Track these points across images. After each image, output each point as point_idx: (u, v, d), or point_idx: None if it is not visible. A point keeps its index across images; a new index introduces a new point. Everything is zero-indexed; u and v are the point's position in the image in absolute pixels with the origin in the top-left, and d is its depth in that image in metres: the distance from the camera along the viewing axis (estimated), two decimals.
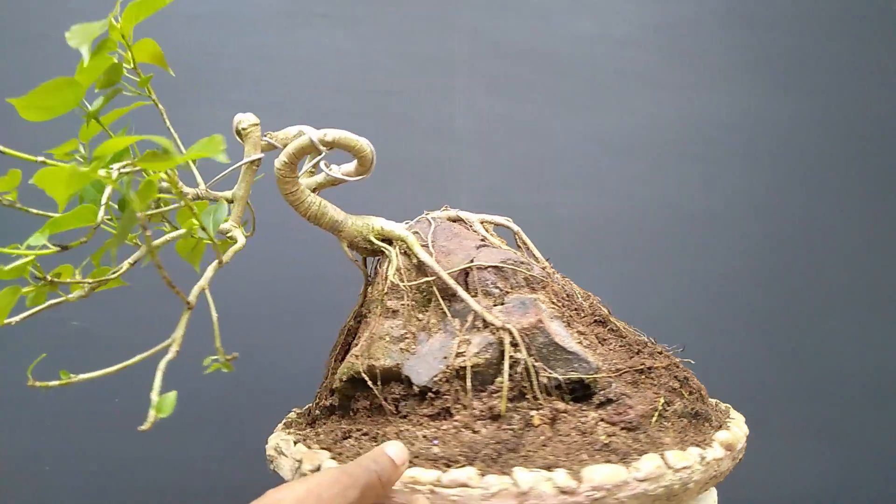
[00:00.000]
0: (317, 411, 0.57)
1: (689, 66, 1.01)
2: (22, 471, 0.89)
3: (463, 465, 0.43)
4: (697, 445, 0.47)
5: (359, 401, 0.53)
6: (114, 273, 0.47)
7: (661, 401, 0.49)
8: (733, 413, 0.56)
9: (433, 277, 0.52)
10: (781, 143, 1.04)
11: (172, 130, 0.51)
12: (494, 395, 0.48)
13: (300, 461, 0.49)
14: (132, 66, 0.50)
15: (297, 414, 0.65)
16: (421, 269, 0.54)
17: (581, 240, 0.95)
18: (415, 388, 0.50)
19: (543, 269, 0.54)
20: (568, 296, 0.54)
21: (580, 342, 0.51)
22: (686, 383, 0.53)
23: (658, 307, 0.96)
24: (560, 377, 0.49)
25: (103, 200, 0.42)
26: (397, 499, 0.43)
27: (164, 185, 0.48)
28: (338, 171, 0.55)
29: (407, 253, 0.54)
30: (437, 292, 0.53)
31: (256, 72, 0.93)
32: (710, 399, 0.57)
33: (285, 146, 0.53)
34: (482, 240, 0.56)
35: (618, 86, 0.98)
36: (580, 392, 0.50)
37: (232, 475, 0.93)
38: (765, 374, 1.04)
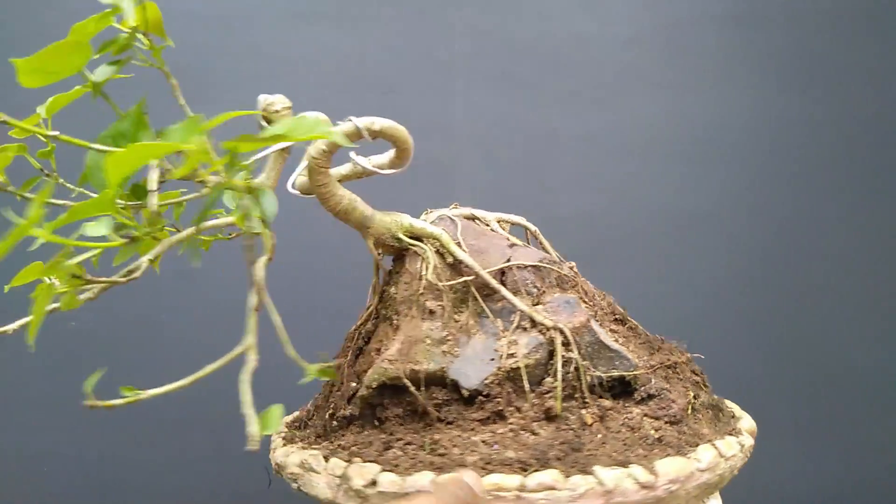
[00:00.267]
0: (333, 422, 0.53)
1: (688, 66, 1.01)
2: (22, 471, 0.89)
3: (538, 468, 0.43)
4: (731, 434, 0.50)
5: (388, 408, 0.50)
6: (131, 271, 0.40)
7: (691, 394, 0.52)
8: (728, 402, 0.60)
9: (472, 276, 0.51)
10: (782, 143, 1.04)
11: (187, 108, 0.44)
12: (546, 396, 0.48)
13: (344, 476, 0.45)
14: (132, 31, 0.43)
15: (287, 425, 0.59)
16: (455, 267, 0.52)
17: (581, 239, 0.95)
18: (464, 391, 0.48)
19: (571, 268, 0.55)
20: (592, 295, 0.55)
21: (615, 340, 0.52)
22: (702, 376, 0.56)
23: (658, 307, 0.96)
24: (603, 375, 0.50)
25: (152, 186, 0.36)
26: None
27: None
28: (367, 162, 0.52)
29: (440, 252, 0.52)
30: (475, 292, 0.51)
31: (256, 72, 0.91)
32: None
33: None
34: (507, 238, 0.56)
35: (618, 86, 0.99)
36: (618, 389, 0.51)
37: (232, 475, 0.92)
38: (764, 374, 1.04)
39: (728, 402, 0.60)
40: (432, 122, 0.97)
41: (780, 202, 1.05)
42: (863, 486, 1.04)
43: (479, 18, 0.96)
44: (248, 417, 0.31)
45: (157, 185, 0.36)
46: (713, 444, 0.47)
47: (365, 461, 0.46)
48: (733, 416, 0.55)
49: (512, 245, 0.54)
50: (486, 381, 0.48)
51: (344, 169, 0.53)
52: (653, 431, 0.48)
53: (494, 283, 0.50)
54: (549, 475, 0.41)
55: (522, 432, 0.46)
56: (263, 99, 0.46)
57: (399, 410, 0.50)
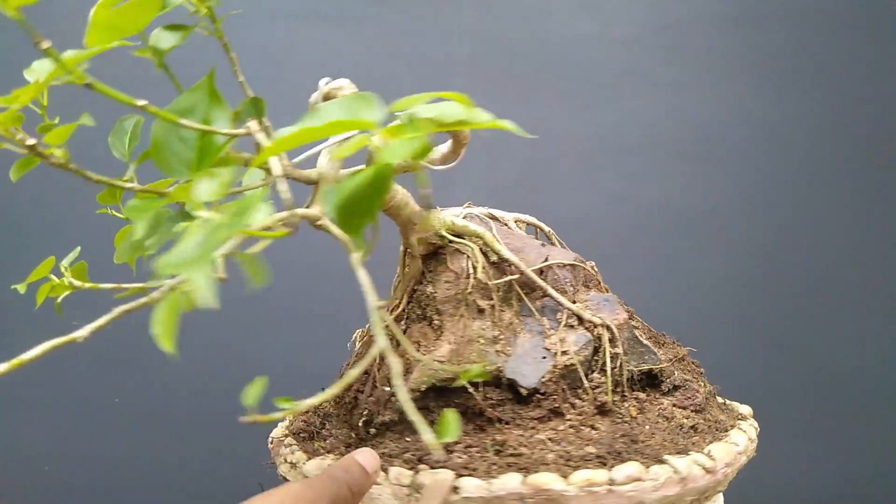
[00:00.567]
0: (369, 429, 0.50)
1: (688, 66, 1.02)
2: (22, 471, 0.89)
3: (617, 461, 0.44)
4: (742, 419, 0.55)
5: (433, 412, 0.48)
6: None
7: (702, 383, 0.56)
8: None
9: (517, 275, 0.50)
10: (782, 143, 1.05)
11: (247, 87, 0.40)
12: (596, 391, 0.49)
13: (415, 485, 0.43)
14: None
15: (294, 436, 0.55)
16: (498, 266, 0.51)
17: (581, 239, 0.95)
18: (522, 390, 0.48)
19: (592, 267, 0.57)
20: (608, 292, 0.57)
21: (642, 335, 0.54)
22: (700, 368, 0.60)
23: (658, 306, 0.96)
24: (635, 369, 0.52)
25: (334, 169, 0.32)
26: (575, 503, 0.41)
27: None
28: None
29: (482, 250, 0.51)
30: (519, 290, 0.51)
31: (257, 72, 0.89)
32: None
33: None
34: (534, 238, 0.56)
35: (618, 86, 1.00)
36: (646, 381, 0.53)
37: (232, 475, 0.92)
38: (764, 373, 1.04)
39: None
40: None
41: (780, 202, 1.05)
42: (863, 485, 1.05)
43: (479, 19, 0.96)
44: (417, 425, 0.28)
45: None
46: (743, 430, 0.51)
47: (433, 467, 0.44)
48: (724, 403, 0.60)
49: (543, 244, 0.54)
50: (543, 380, 0.48)
51: None
52: (685, 420, 0.51)
53: (541, 282, 0.50)
54: (633, 467, 0.43)
55: (583, 428, 0.47)
56: (326, 82, 0.42)
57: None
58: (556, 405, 0.48)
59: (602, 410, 0.48)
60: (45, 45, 0.27)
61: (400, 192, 0.48)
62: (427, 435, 0.29)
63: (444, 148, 0.51)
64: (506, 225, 0.58)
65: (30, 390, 0.92)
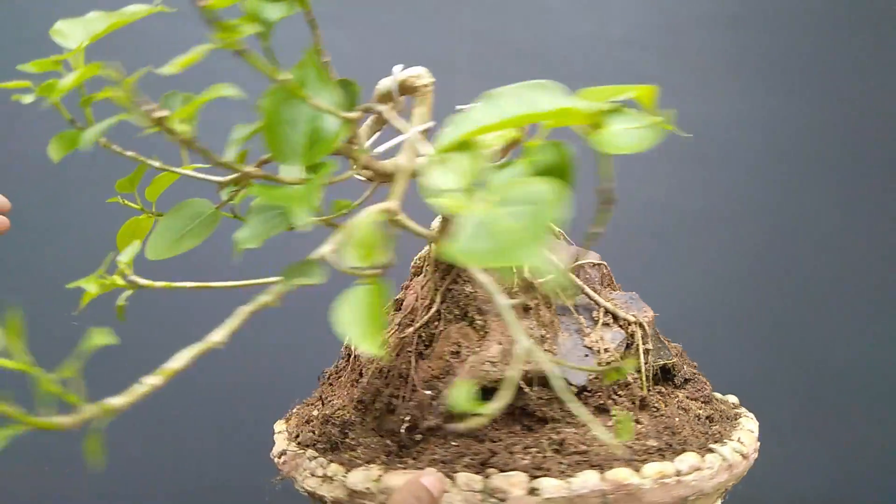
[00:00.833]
0: (414, 436, 0.47)
1: (688, 66, 1.02)
2: (22, 471, 0.90)
3: (674, 453, 0.45)
4: (738, 408, 0.59)
5: (480, 414, 0.47)
6: None
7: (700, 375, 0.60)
8: None
9: (554, 274, 0.51)
10: (780, 143, 1.04)
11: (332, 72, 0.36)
12: (631, 387, 0.51)
13: (490, 490, 0.42)
14: None
15: (310, 446, 0.51)
16: None
17: (580, 238, 0.92)
18: (572, 388, 0.48)
19: (605, 266, 0.58)
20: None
21: None
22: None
23: (657, 305, 0.96)
24: (653, 364, 0.54)
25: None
26: (650, 497, 0.42)
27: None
28: None
29: None
30: (558, 290, 0.51)
31: (256, 71, 0.82)
32: None
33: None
34: (556, 237, 0.57)
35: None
36: (660, 375, 0.56)
37: (232, 475, 0.92)
38: (764, 373, 1.04)
39: None
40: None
41: (779, 201, 1.04)
42: (863, 485, 1.05)
43: (479, 19, 0.94)
44: (593, 427, 0.28)
45: None
46: (752, 419, 0.55)
47: (502, 471, 0.43)
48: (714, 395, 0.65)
49: (570, 243, 0.55)
50: (590, 377, 0.49)
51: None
52: (700, 411, 0.54)
53: (578, 281, 0.51)
54: (693, 457, 0.45)
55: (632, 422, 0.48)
56: (403, 72, 0.39)
57: (498, 415, 0.47)
58: (602, 402, 0.49)
59: (640, 405, 0.50)
60: (203, 1, 0.24)
61: None
62: (605, 437, 0.29)
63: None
64: None
65: (30, 390, 0.83)
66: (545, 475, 0.42)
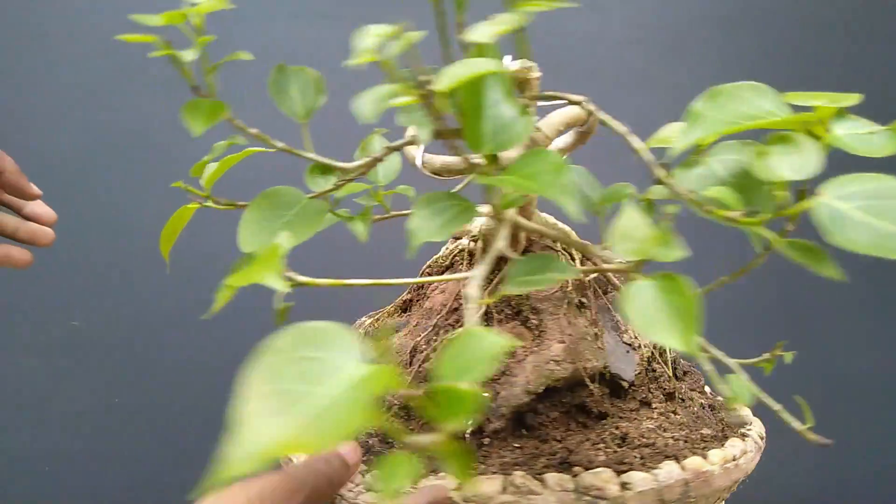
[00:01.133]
0: (482, 440, 0.46)
1: (688, 66, 1.01)
2: (22, 471, 0.91)
3: (722, 440, 0.48)
4: (721, 396, 0.64)
5: (540, 413, 0.47)
6: None
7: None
8: None
9: (598, 272, 0.52)
10: None
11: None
12: (661, 380, 0.53)
13: (583, 488, 0.42)
14: None
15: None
16: (581, 262, 0.52)
17: (582, 238, 0.88)
18: (623, 383, 0.49)
19: None
20: None
21: None
22: None
23: None
24: (670, 358, 0.58)
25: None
26: (718, 482, 0.45)
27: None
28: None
29: (564, 247, 0.51)
30: (597, 287, 0.52)
31: (256, 72, 0.87)
32: None
33: None
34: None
35: (618, 86, 0.96)
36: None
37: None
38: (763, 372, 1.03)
39: None
40: None
41: None
42: (863, 485, 1.05)
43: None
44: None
45: None
46: (746, 406, 0.60)
47: (587, 468, 0.43)
48: None
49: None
50: (636, 373, 0.50)
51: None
52: (703, 401, 0.59)
53: (615, 279, 0.53)
54: (739, 443, 0.48)
55: (670, 414, 0.51)
56: (511, 60, 0.38)
57: (555, 413, 0.48)
58: (644, 395, 0.51)
59: (669, 397, 0.53)
60: None
61: None
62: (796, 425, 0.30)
63: (562, 142, 0.49)
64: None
65: (30, 390, 0.92)
66: (630, 469, 0.43)
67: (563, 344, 0.48)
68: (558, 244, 0.51)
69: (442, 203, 0.30)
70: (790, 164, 0.26)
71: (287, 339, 0.21)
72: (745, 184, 0.28)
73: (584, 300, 0.51)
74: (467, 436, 0.46)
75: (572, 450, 0.45)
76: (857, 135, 0.28)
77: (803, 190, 0.27)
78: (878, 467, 1.04)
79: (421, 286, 0.60)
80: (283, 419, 0.17)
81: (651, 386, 0.52)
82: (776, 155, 0.26)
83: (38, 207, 0.57)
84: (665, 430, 0.49)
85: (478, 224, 0.53)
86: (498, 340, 0.24)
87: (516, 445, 0.46)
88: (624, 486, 0.42)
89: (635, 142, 0.30)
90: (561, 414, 0.48)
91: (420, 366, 0.50)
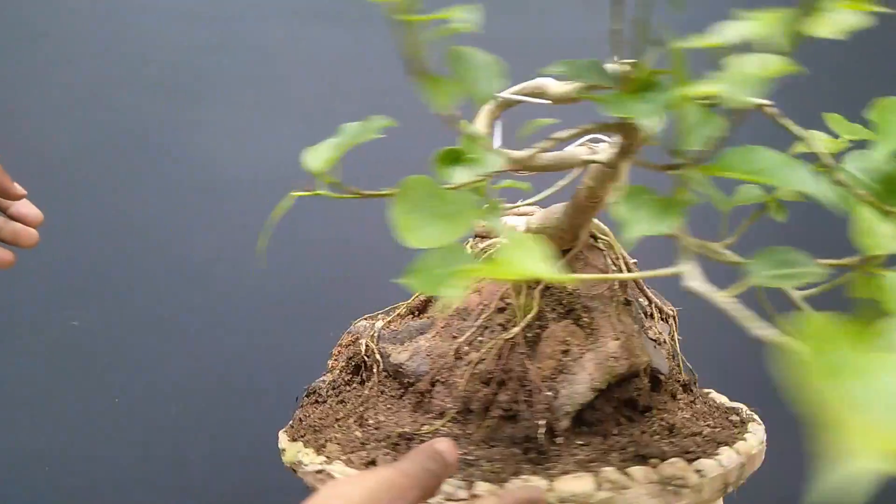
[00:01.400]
0: (555, 439, 0.45)
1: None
2: (22, 471, 0.91)
3: (745, 426, 0.53)
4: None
5: (598, 409, 0.48)
6: None
7: None
8: None
9: (630, 272, 0.54)
10: (781, 142, 1.06)
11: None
12: (675, 373, 0.57)
13: (666, 479, 0.43)
14: None
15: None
16: (616, 264, 0.54)
17: None
18: (661, 377, 0.52)
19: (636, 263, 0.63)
20: None
21: None
22: None
23: None
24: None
25: None
26: (757, 462, 0.49)
27: None
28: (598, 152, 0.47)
29: (605, 248, 0.53)
30: (629, 286, 0.54)
31: (256, 72, 0.93)
32: None
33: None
34: None
35: None
36: None
37: (232, 475, 0.94)
38: (763, 372, 1.00)
39: None
40: (432, 122, 0.88)
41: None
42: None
43: (479, 19, 0.88)
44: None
45: None
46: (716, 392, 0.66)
47: (663, 459, 0.45)
48: None
49: None
50: (668, 366, 0.53)
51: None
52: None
53: (641, 281, 0.55)
54: (757, 428, 0.53)
55: (693, 405, 0.55)
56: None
57: (609, 409, 0.49)
58: (671, 388, 0.54)
59: (685, 389, 0.56)
60: None
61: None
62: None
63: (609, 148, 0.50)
64: None
65: (30, 390, 0.92)
66: (698, 457, 0.45)
67: (619, 341, 0.49)
68: (600, 242, 0.52)
69: (647, 196, 0.29)
70: None
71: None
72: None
73: (629, 298, 0.52)
74: (541, 436, 0.45)
75: (639, 443, 0.46)
76: None
77: None
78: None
79: None
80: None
81: (672, 379, 0.55)
82: None
83: (24, 207, 0.55)
84: (699, 419, 0.52)
85: (516, 222, 0.52)
86: None
87: (580, 442, 0.47)
88: (698, 473, 0.44)
89: (816, 146, 0.32)
90: (612, 409, 0.49)
91: (475, 367, 0.48)
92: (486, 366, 0.48)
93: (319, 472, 0.46)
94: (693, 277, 0.27)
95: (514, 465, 0.44)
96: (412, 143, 1.00)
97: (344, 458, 0.47)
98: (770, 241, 0.33)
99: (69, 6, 0.89)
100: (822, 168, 0.31)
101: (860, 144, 0.37)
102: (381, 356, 0.54)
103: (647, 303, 0.57)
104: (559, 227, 0.49)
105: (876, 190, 0.31)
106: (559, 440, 0.46)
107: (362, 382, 0.56)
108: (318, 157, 0.35)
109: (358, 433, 0.50)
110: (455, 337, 0.52)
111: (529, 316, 0.49)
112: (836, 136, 0.40)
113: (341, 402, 0.55)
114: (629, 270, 0.53)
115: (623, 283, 0.52)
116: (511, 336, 0.48)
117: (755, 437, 0.50)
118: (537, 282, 0.50)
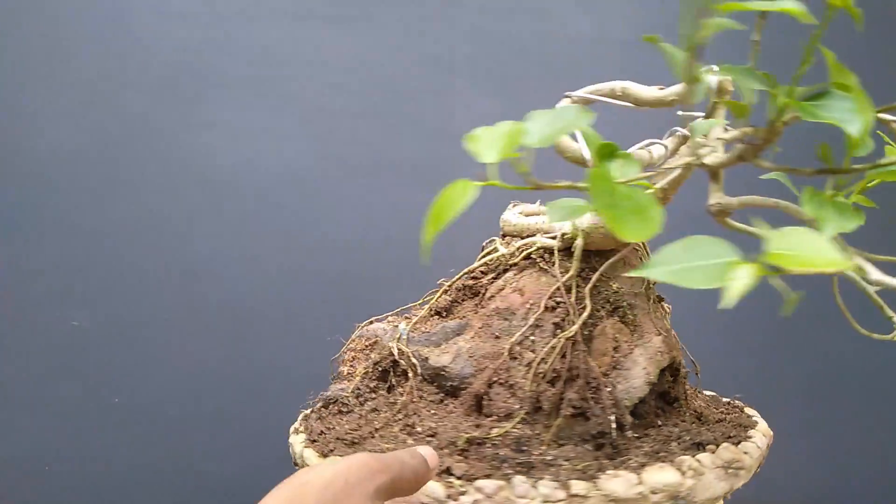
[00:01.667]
0: (625, 433, 0.46)
1: None
2: (22, 471, 0.92)
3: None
4: None
5: (646, 402, 0.51)
6: None
7: None
8: None
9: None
10: (782, 142, 0.98)
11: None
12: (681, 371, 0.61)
13: (732, 467, 0.46)
14: None
15: (489, 476, 0.43)
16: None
17: None
18: (682, 370, 0.55)
19: None
20: None
21: None
22: None
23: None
24: None
25: None
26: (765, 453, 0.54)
27: None
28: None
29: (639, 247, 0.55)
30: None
31: (256, 72, 0.94)
32: None
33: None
34: None
35: None
36: None
37: (232, 475, 0.94)
38: (764, 372, 1.00)
39: None
40: (432, 123, 0.95)
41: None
42: (863, 485, 1.04)
43: (479, 19, 0.90)
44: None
45: None
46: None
47: (717, 445, 0.48)
48: None
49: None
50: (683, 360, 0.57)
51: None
52: None
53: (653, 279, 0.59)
54: (755, 411, 0.58)
55: (699, 394, 0.59)
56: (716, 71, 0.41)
57: (652, 401, 0.51)
58: (685, 380, 0.58)
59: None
60: None
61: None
62: None
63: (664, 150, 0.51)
64: None
65: (30, 390, 0.92)
66: (741, 441, 0.49)
67: (661, 336, 0.52)
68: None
69: (822, 197, 0.32)
70: None
71: None
72: None
73: (661, 296, 0.55)
74: (614, 431, 0.46)
75: (690, 430, 0.49)
76: None
77: None
78: (878, 467, 1.04)
79: (462, 288, 0.56)
80: None
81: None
82: None
83: None
84: (714, 407, 0.56)
85: (559, 224, 0.53)
86: None
87: (635, 435, 0.48)
88: (747, 455, 0.48)
89: None
90: (656, 399, 0.52)
91: (538, 366, 0.48)
92: (548, 365, 0.48)
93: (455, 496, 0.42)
94: (874, 272, 0.29)
95: (595, 461, 0.44)
96: (414, 140, 0.98)
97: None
98: None
99: (69, 6, 0.89)
100: None
101: None
102: (417, 360, 0.51)
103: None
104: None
105: None
106: (628, 433, 0.47)
107: (391, 388, 0.53)
108: (493, 146, 0.33)
109: (410, 442, 0.47)
110: (498, 337, 0.51)
111: (585, 314, 0.49)
112: None
113: (374, 410, 0.51)
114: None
115: (651, 281, 0.55)
116: (572, 334, 0.48)
117: (761, 420, 0.55)
118: (586, 281, 0.51)
